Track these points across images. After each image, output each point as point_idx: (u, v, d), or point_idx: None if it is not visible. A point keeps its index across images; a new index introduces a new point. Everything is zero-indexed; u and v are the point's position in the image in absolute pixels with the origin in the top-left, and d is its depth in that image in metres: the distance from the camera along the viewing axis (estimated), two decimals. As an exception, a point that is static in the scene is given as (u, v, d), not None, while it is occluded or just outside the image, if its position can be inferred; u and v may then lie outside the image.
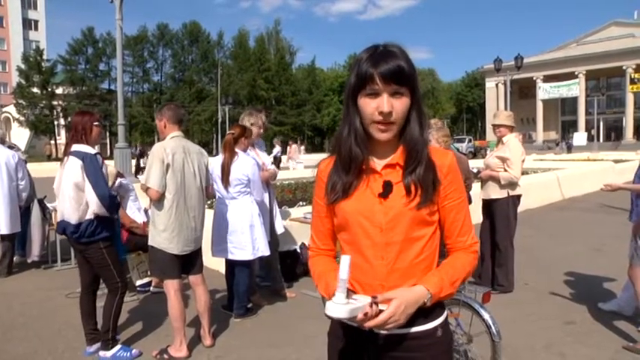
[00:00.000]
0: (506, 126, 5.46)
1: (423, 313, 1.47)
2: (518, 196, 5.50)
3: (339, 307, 1.31)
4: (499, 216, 5.44)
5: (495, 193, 5.43)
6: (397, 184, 1.48)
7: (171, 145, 3.91)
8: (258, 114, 5.32)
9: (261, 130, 5.31)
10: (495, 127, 5.55)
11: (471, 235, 1.58)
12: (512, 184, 5.39)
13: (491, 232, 5.54)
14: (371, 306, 1.35)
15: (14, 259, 6.96)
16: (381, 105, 1.39)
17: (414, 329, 1.49)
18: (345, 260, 1.34)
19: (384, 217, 1.47)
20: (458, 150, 8.15)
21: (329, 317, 1.35)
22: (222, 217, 4.67)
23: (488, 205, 5.55)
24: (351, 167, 1.50)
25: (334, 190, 1.53)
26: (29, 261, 6.59)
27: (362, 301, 1.36)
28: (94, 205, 3.74)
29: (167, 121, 4.01)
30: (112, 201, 3.91)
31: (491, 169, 5.47)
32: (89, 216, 3.78)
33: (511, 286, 5.44)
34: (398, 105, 1.41)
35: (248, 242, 4.62)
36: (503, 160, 5.37)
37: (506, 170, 5.34)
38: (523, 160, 5.48)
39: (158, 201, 3.86)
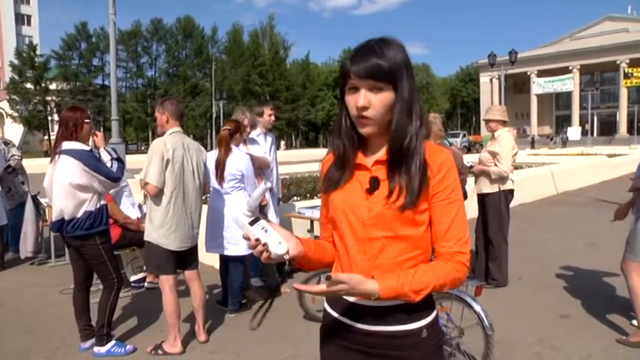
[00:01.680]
0: (497, 120, 5.47)
1: (407, 312, 1.45)
2: (511, 191, 5.52)
3: (240, 212, 1.41)
4: (491, 210, 5.45)
5: (486, 187, 5.45)
6: (384, 181, 1.45)
7: (172, 141, 3.89)
8: (251, 112, 5.36)
9: (251, 128, 5.31)
10: (486, 121, 5.57)
11: (460, 242, 1.45)
12: (503, 179, 5.40)
13: (484, 226, 5.56)
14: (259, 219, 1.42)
15: (8, 255, 6.94)
16: (357, 100, 1.39)
17: (398, 327, 1.46)
18: (262, 185, 1.48)
19: (367, 213, 1.45)
20: (451, 145, 8.14)
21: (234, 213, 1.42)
22: (216, 213, 4.66)
23: (480, 200, 5.58)
24: (342, 162, 1.50)
25: (328, 181, 1.55)
26: (23, 257, 6.56)
27: (272, 236, 1.40)
28: (110, 189, 3.94)
29: (170, 115, 3.98)
30: (121, 169, 4.01)
31: (483, 163, 5.49)
32: (90, 208, 3.77)
33: (505, 280, 5.45)
34: (376, 100, 1.38)
35: (242, 237, 4.60)
36: (494, 154, 5.38)
37: (496, 165, 5.36)
38: (515, 154, 5.48)
39: (156, 197, 3.84)
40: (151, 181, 3.79)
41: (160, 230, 3.85)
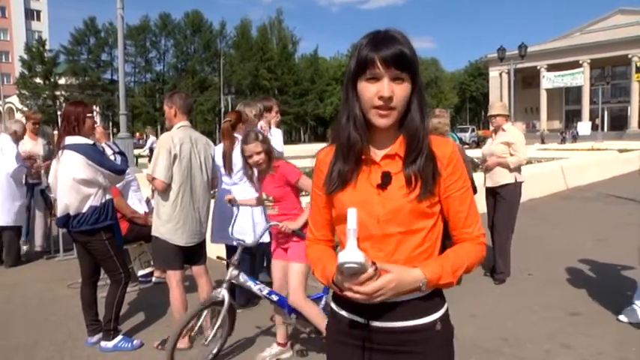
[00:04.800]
0: (502, 115, 5.57)
1: (422, 305, 1.44)
2: (522, 182, 5.57)
3: (354, 252, 1.28)
4: (507, 202, 5.47)
5: (504, 178, 5.46)
6: (396, 175, 1.43)
7: (179, 136, 3.86)
8: (256, 104, 5.34)
9: (259, 120, 5.30)
10: (492, 117, 5.64)
11: (478, 226, 1.52)
12: (519, 168, 5.49)
13: (493, 217, 5.57)
14: (375, 269, 1.32)
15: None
16: (382, 89, 1.35)
17: (413, 322, 1.45)
18: (351, 212, 1.31)
19: (382, 209, 1.43)
20: (460, 140, 8.09)
21: (343, 265, 1.28)
22: (223, 204, 4.63)
23: (493, 192, 5.56)
24: (350, 155, 1.45)
25: (333, 180, 1.49)
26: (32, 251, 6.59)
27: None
28: (116, 183, 3.97)
29: (178, 109, 3.95)
30: (125, 162, 4.05)
31: (498, 155, 5.48)
32: (96, 203, 3.77)
33: (508, 272, 5.48)
34: (399, 90, 1.37)
35: (249, 228, 4.59)
36: (509, 144, 5.44)
37: (512, 155, 5.40)
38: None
39: (163, 192, 3.82)
40: (158, 176, 3.76)
41: (168, 225, 3.83)
